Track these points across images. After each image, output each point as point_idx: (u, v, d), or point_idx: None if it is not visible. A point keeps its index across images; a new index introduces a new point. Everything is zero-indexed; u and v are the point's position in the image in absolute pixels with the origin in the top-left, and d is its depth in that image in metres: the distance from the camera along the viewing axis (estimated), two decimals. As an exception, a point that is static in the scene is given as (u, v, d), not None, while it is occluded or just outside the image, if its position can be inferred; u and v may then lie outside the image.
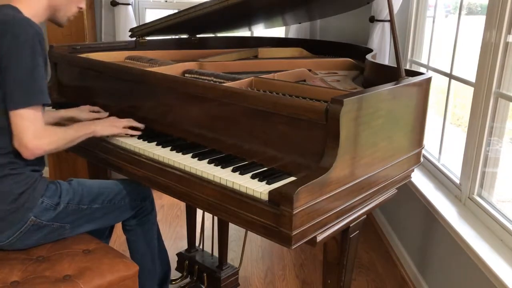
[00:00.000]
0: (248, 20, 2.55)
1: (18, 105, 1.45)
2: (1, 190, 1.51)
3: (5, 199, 1.52)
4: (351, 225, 1.48)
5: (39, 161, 1.61)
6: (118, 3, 3.27)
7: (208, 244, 2.40)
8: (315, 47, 2.68)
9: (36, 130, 1.47)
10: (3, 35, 1.44)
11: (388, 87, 1.51)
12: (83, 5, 1.73)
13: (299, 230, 1.22)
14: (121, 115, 1.88)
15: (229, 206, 1.35)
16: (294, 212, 1.18)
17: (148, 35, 2.38)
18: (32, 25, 1.48)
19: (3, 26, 1.45)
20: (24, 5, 1.57)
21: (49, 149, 1.53)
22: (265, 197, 1.26)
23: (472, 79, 2.07)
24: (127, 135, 1.73)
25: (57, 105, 2.04)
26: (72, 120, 1.86)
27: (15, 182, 1.53)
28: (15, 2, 1.57)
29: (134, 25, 3.22)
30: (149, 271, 1.91)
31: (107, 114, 1.89)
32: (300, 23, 3.17)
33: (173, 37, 2.65)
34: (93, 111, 1.91)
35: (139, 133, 1.73)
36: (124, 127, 1.73)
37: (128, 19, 3.28)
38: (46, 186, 1.59)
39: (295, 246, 1.23)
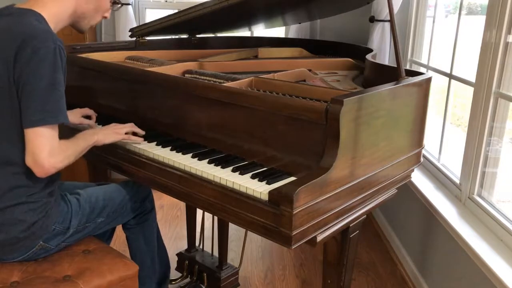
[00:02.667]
0: (248, 20, 2.55)
1: (34, 123, 1.37)
2: (16, 218, 1.47)
3: (17, 227, 1.47)
4: (351, 225, 1.48)
5: (55, 181, 1.56)
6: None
7: (208, 244, 2.40)
8: (315, 47, 2.68)
9: (52, 148, 1.40)
10: (23, 48, 1.37)
11: (388, 87, 1.51)
12: (108, 14, 1.68)
13: (299, 230, 1.22)
14: (121, 115, 1.89)
15: (229, 206, 1.35)
16: (294, 212, 1.18)
17: (148, 35, 2.38)
18: (54, 40, 1.41)
19: (24, 39, 1.37)
20: (48, 11, 1.49)
21: (62, 166, 1.45)
22: (265, 197, 1.26)
23: (472, 79, 2.07)
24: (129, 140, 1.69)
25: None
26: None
27: (30, 209, 1.48)
28: (38, 7, 1.48)
29: (134, 25, 3.22)
30: (149, 269, 1.91)
31: (93, 122, 1.86)
32: (300, 23, 3.16)
33: (173, 37, 2.64)
34: (85, 115, 1.87)
35: (141, 140, 1.69)
36: (127, 133, 1.68)
37: (128, 19, 3.27)
38: (58, 210, 1.56)
39: (295, 246, 1.23)
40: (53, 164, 1.41)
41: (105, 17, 1.68)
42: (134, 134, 1.71)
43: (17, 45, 1.37)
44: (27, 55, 1.37)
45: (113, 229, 1.94)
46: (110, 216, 1.72)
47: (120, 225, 1.87)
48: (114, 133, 1.65)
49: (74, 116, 1.84)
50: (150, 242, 1.91)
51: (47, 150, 1.39)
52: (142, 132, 1.71)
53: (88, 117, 1.89)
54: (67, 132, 1.77)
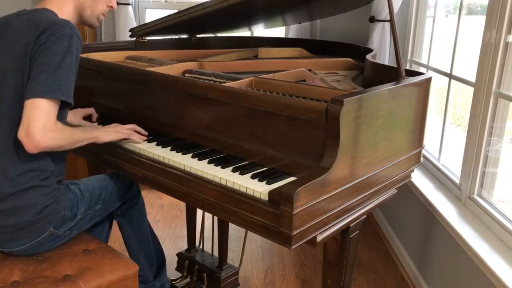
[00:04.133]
0: (248, 20, 2.55)
1: (33, 94, 1.39)
2: (28, 201, 1.50)
3: (30, 210, 1.51)
4: (351, 225, 1.48)
5: (62, 172, 1.60)
6: (118, 3, 3.26)
7: (208, 244, 2.40)
8: (315, 47, 2.68)
9: (47, 122, 1.40)
10: (44, 32, 1.44)
11: (388, 87, 1.51)
12: (113, 4, 1.71)
13: (299, 230, 1.22)
14: (121, 114, 1.89)
15: (229, 206, 1.35)
16: (294, 212, 1.18)
17: (148, 35, 2.38)
18: (72, 28, 1.48)
19: (47, 25, 1.46)
20: (56, 7, 1.57)
21: (54, 145, 1.44)
22: (265, 197, 1.26)
23: (472, 79, 2.06)
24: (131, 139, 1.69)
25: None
26: None
27: (43, 194, 1.52)
28: (49, 5, 1.57)
29: (134, 25, 3.22)
30: (145, 256, 1.94)
31: (95, 124, 1.87)
32: (300, 23, 3.16)
33: (173, 37, 2.65)
34: (87, 114, 1.88)
35: (142, 139, 1.69)
36: (128, 132, 1.68)
37: (128, 19, 3.28)
38: (67, 196, 1.60)
39: (295, 246, 1.23)
40: (44, 138, 1.39)
41: (111, 7, 1.71)
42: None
43: (40, 30, 1.45)
44: (45, 37, 1.44)
45: (110, 226, 1.95)
46: (105, 202, 1.75)
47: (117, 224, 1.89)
48: (115, 131, 1.67)
49: (75, 117, 1.85)
50: (142, 226, 1.93)
51: (42, 122, 1.39)
52: (145, 133, 1.72)
53: (89, 118, 1.89)
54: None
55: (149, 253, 1.96)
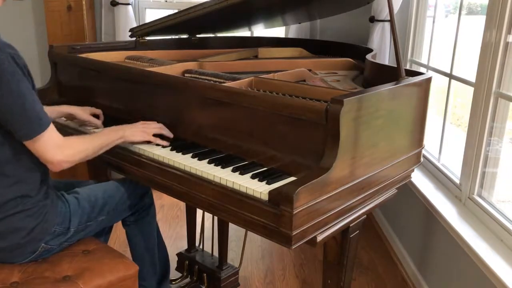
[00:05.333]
0: (248, 20, 2.55)
1: (27, 137, 1.39)
2: (15, 226, 1.48)
3: (18, 234, 1.49)
4: (351, 225, 1.48)
5: (46, 180, 1.55)
6: (118, 3, 3.27)
7: (208, 244, 2.40)
8: (315, 47, 2.68)
9: (55, 147, 1.42)
10: None
11: (388, 87, 1.50)
12: None
13: (299, 230, 1.22)
14: (121, 114, 1.89)
15: (229, 206, 1.35)
16: (294, 212, 1.18)
17: (148, 35, 2.38)
18: (2, 49, 1.32)
19: None
20: None
21: (77, 160, 1.48)
22: (265, 197, 1.26)
23: (472, 79, 2.06)
24: (156, 144, 1.64)
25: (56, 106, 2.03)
26: (70, 118, 1.85)
27: (28, 216, 1.49)
28: None
29: (134, 25, 3.21)
30: (149, 265, 1.92)
31: (101, 122, 1.85)
32: (300, 23, 3.16)
33: (173, 37, 2.65)
34: (95, 114, 1.87)
35: (167, 143, 1.65)
36: (155, 135, 1.64)
37: (128, 19, 3.27)
38: (56, 211, 1.56)
39: (295, 246, 1.23)
40: (63, 159, 1.44)
41: None
42: (162, 137, 1.66)
43: None
44: None
45: (110, 229, 1.95)
46: (110, 213, 1.72)
47: (120, 223, 1.87)
48: (142, 132, 1.64)
49: (84, 112, 1.84)
50: (150, 237, 1.92)
51: (51, 151, 1.42)
52: (171, 135, 1.68)
53: (96, 116, 1.89)
54: (72, 131, 1.79)
55: (153, 262, 1.94)
